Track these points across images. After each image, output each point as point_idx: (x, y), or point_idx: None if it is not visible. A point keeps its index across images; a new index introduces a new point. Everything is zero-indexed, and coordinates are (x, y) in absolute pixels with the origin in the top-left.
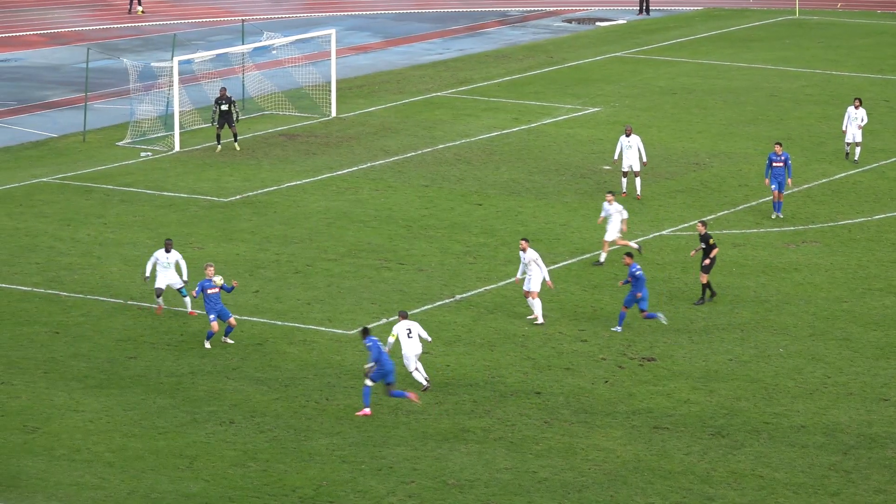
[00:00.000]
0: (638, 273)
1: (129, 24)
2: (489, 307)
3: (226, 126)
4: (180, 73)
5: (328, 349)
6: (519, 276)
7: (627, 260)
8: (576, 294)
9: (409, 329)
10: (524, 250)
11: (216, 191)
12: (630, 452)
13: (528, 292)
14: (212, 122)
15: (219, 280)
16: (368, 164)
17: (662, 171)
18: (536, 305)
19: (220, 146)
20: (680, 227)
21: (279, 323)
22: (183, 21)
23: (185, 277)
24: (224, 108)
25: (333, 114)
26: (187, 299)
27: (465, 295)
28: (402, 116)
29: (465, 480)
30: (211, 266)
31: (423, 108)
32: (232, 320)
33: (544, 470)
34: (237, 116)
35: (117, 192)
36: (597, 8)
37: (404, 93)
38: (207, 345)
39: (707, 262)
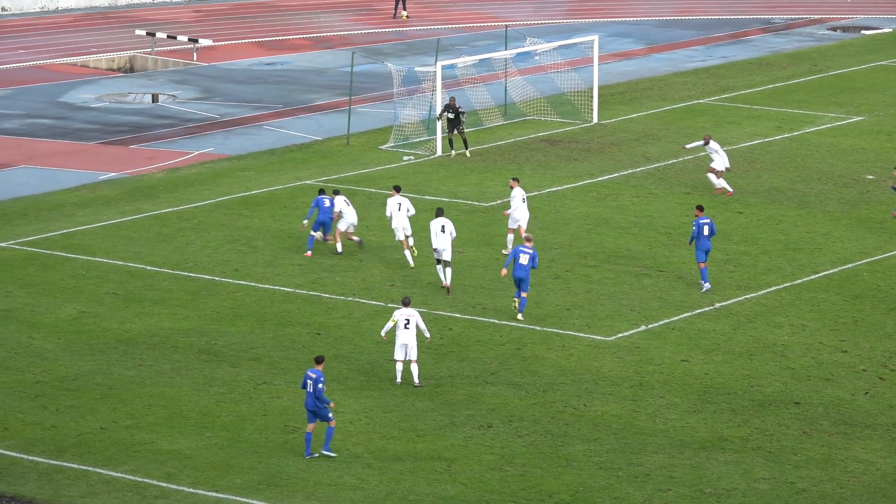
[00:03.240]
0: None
1: (394, 29)
2: (749, 316)
3: (456, 133)
4: (443, 78)
5: (586, 355)
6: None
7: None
8: (837, 304)
9: (409, 319)
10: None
11: (477, 195)
12: (890, 465)
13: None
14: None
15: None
16: (629, 171)
17: None
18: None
19: (453, 151)
20: None
21: (538, 328)
22: (447, 26)
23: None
24: (451, 116)
25: (595, 120)
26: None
27: (724, 303)
28: (664, 123)
29: (722, 489)
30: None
31: (684, 115)
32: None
33: (802, 481)
34: (463, 126)
35: (379, 196)
36: (862, 16)
37: (666, 99)
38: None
39: None
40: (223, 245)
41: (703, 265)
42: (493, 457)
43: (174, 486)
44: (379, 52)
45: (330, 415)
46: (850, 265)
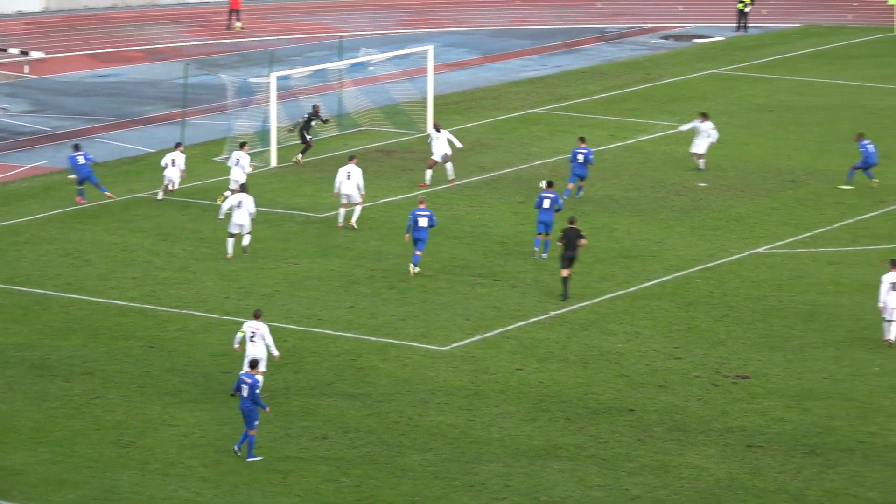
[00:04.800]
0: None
1: (228, 40)
2: (583, 324)
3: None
4: (278, 89)
5: (422, 365)
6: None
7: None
8: (670, 311)
9: (255, 331)
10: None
11: (312, 206)
12: (723, 470)
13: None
14: (296, 131)
15: None
16: (464, 181)
17: (758, 188)
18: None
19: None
20: (775, 244)
21: (373, 339)
22: (280, 37)
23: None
24: (313, 123)
25: (429, 130)
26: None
27: (559, 312)
28: (499, 133)
29: (557, 497)
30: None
31: (519, 124)
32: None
33: (637, 487)
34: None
35: (214, 207)
36: (694, 25)
37: (500, 109)
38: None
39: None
40: (56, 259)
41: (539, 237)
42: (329, 468)
43: (5, 503)
44: (213, 63)
45: (256, 423)
46: (683, 272)
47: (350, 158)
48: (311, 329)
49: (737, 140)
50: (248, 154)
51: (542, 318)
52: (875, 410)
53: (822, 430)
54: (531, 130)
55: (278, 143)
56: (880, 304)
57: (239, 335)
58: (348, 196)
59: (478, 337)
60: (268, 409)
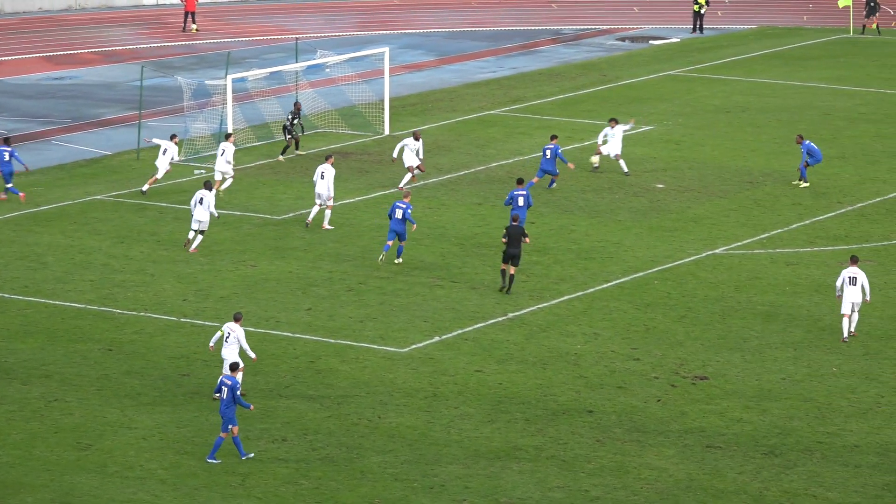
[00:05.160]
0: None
1: (184, 42)
2: (542, 325)
3: (285, 133)
4: (234, 91)
5: (380, 367)
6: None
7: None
8: (628, 312)
9: (230, 332)
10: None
11: (269, 208)
12: (682, 471)
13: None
14: (294, 133)
15: None
16: (421, 183)
17: (716, 190)
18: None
19: (290, 154)
20: (733, 245)
21: (332, 341)
22: (237, 39)
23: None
24: (295, 121)
25: (387, 132)
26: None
27: (517, 313)
28: (455, 134)
29: (517, 499)
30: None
31: (476, 126)
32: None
33: (596, 489)
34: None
35: (171, 210)
36: (650, 26)
37: (457, 111)
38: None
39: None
40: (12, 262)
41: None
42: (288, 470)
43: None
44: (169, 65)
45: (231, 426)
46: (641, 273)
47: (326, 157)
48: (269, 331)
49: (693, 141)
50: (235, 145)
51: (500, 319)
52: (833, 411)
53: (781, 430)
54: (488, 132)
55: (235, 145)
56: (837, 294)
57: (217, 335)
58: (320, 195)
59: (436, 339)
60: (252, 407)
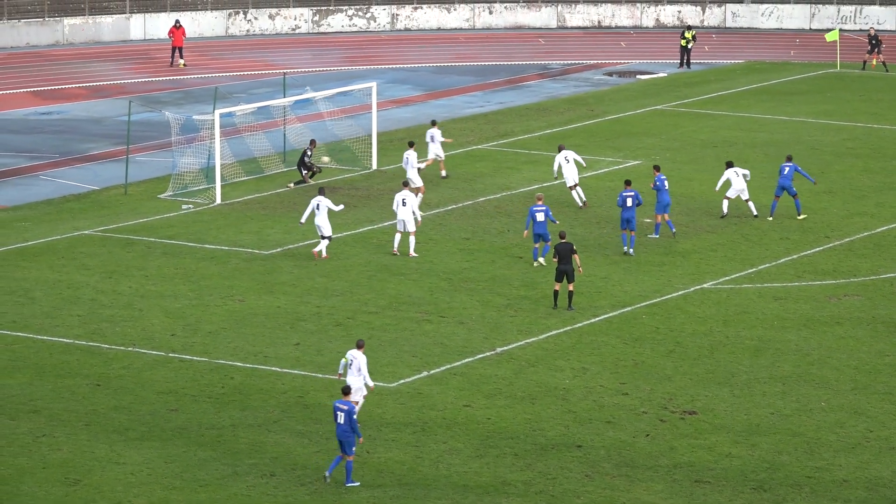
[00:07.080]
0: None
1: (171, 77)
2: (530, 360)
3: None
4: (222, 126)
5: (369, 402)
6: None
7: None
8: (617, 347)
9: (353, 360)
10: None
11: (257, 243)
12: None
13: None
14: (312, 166)
15: None
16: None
17: (703, 225)
18: None
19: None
20: (721, 279)
21: (320, 375)
22: (224, 74)
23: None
24: (306, 158)
25: (374, 167)
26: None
27: (505, 348)
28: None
29: None
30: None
31: (463, 160)
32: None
33: None
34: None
35: (159, 245)
36: (637, 61)
37: (445, 146)
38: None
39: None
40: (0, 297)
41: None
42: None
43: None
44: (156, 100)
45: (353, 448)
46: (629, 308)
47: (404, 184)
48: (257, 366)
49: (681, 176)
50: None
51: (488, 354)
52: (822, 446)
53: (770, 465)
54: (476, 167)
55: (223, 179)
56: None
57: (342, 361)
58: (403, 222)
59: (425, 373)
60: (362, 439)
